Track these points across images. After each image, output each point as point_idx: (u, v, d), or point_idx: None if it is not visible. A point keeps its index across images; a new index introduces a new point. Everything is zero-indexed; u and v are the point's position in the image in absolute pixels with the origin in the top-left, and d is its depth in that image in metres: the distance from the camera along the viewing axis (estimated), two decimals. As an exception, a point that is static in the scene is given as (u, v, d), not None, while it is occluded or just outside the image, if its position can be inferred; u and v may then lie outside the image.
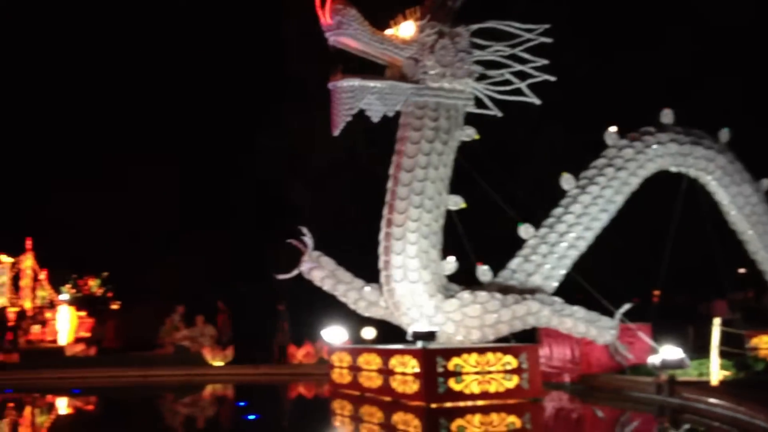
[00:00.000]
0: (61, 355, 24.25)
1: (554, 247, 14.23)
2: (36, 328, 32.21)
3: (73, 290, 36.67)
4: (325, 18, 12.87)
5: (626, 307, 14.29)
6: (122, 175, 35.09)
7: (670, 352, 12.84)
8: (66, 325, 30.16)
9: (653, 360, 12.99)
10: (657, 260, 15.02)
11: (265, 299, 22.59)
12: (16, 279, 38.02)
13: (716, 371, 12.40)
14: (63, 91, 36.42)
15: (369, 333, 15.69)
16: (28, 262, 37.77)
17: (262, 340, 22.68)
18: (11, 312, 32.04)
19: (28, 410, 16.18)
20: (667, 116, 15.33)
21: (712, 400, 11.29)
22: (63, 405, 17.31)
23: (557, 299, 13.92)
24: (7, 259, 38.02)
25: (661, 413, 12.27)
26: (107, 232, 34.71)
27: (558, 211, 14.55)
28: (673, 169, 15.27)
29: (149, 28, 35.21)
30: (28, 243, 37.57)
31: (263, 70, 31.43)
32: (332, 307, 15.24)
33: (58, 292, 37.57)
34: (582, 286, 14.27)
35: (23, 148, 37.00)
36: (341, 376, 14.81)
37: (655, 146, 14.91)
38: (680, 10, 23.06)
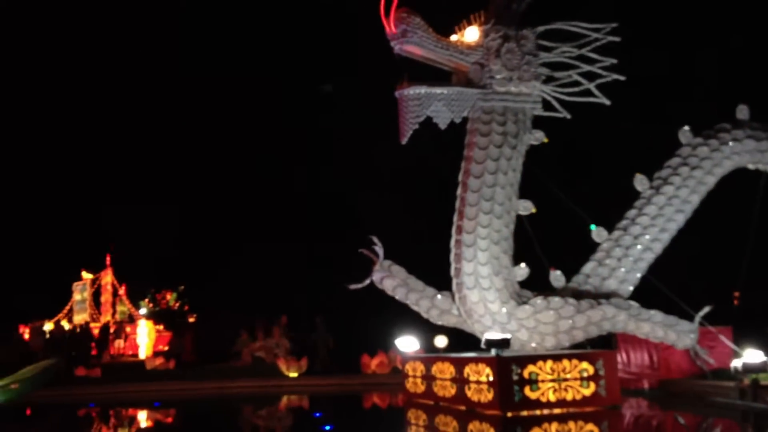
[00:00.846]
0: (141, 369, 24.69)
1: (629, 250, 13.95)
2: (119, 343, 33.00)
3: (151, 304, 37.45)
4: (390, 27, 12.88)
5: (706, 309, 13.93)
6: (198, 188, 35.72)
7: (752, 355, 12.46)
8: (145, 339, 30.80)
9: (735, 364, 12.63)
10: (737, 261, 14.60)
11: (338, 309, 22.67)
12: (96, 294, 39.06)
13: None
14: (134, 109, 37.22)
15: (442, 341, 15.56)
16: (108, 277, 38.78)
17: (334, 351, 22.79)
18: (94, 327, 32.83)
19: (111, 424, 16.47)
20: (742, 112, 14.94)
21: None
22: (144, 418, 17.58)
23: (633, 303, 13.63)
24: (87, 275, 39.08)
25: (744, 419, 11.91)
26: (183, 246, 35.30)
27: (632, 213, 14.26)
28: (751, 166, 14.86)
29: (216, 41, 35.81)
30: (108, 259, 38.55)
31: (330, 81, 31.67)
32: (404, 315, 15.19)
33: (137, 306, 38.43)
34: (659, 289, 13.95)
35: (101, 167, 37.90)
36: (415, 385, 14.74)
37: (731, 143, 14.52)
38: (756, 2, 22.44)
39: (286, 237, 31.60)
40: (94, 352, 27.83)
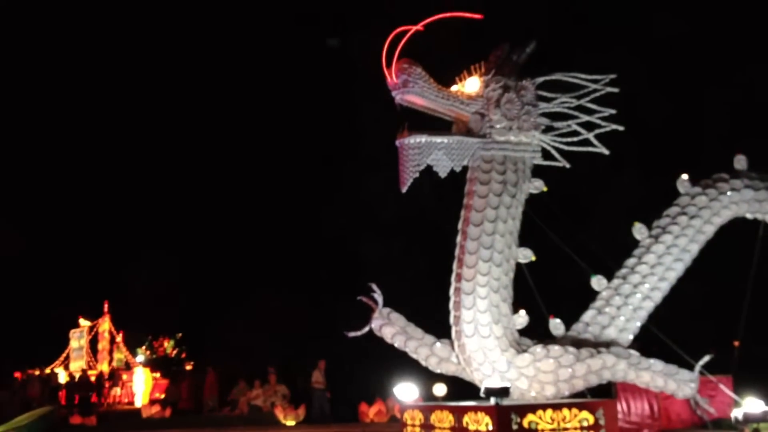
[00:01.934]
0: (137, 417, 24.51)
1: (628, 298, 13.97)
2: (116, 391, 32.75)
3: (148, 352, 37.25)
4: (392, 77, 13.05)
5: (706, 358, 13.89)
6: (196, 237, 35.77)
7: (753, 404, 12.41)
8: (142, 387, 30.59)
9: (736, 413, 12.57)
10: (736, 310, 14.60)
11: (336, 357, 22.57)
12: (93, 342, 38.85)
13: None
14: (132, 156, 37.43)
15: (441, 390, 15.48)
16: (105, 324, 38.62)
17: (333, 399, 22.64)
18: (92, 375, 32.62)
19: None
20: (740, 162, 15.07)
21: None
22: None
23: (633, 352, 13.60)
24: (85, 323, 38.92)
25: (746, 469, 11.84)
26: (180, 293, 35.24)
27: (631, 261, 14.30)
28: (749, 215, 14.93)
29: (219, 80, 36.15)
30: (106, 306, 38.43)
31: (329, 128, 31.92)
32: (403, 363, 15.13)
33: (134, 354, 38.23)
34: (659, 338, 13.93)
35: (98, 214, 37.99)
36: (414, 434, 14.64)
37: (729, 193, 14.61)
38: (751, 53, 22.76)
39: (285, 284, 31.56)
40: (95, 400, 27.64)
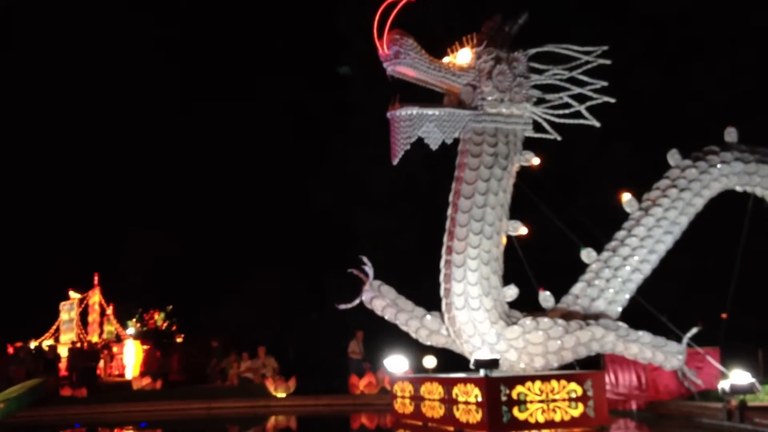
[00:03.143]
0: (128, 389, 24.54)
1: (618, 271, 14.00)
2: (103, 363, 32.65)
3: (138, 324, 37.25)
4: (383, 48, 12.97)
5: (694, 331, 13.97)
6: (188, 209, 35.70)
7: (739, 376, 12.48)
8: (132, 359, 30.60)
9: (723, 385, 12.65)
10: (725, 282, 14.66)
11: (327, 329, 22.63)
12: (83, 314, 38.81)
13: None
14: (123, 130, 37.28)
15: (430, 362, 15.55)
16: (95, 297, 38.55)
17: (323, 371, 22.71)
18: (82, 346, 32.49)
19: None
20: (730, 135, 15.07)
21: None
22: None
23: (622, 324, 13.66)
24: (75, 295, 38.84)
25: (732, 440, 11.94)
26: (170, 266, 35.22)
27: (621, 234, 14.32)
28: (739, 188, 14.95)
29: (214, 66, 35.98)
30: (96, 278, 38.35)
31: (321, 100, 31.81)
32: (393, 336, 15.18)
33: (124, 326, 38.22)
34: (647, 310, 14.00)
35: (88, 186, 37.85)
36: (403, 406, 14.71)
37: (719, 165, 14.62)
38: (744, 28, 22.73)
39: (276, 257, 31.56)
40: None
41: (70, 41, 37.44)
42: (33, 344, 34.53)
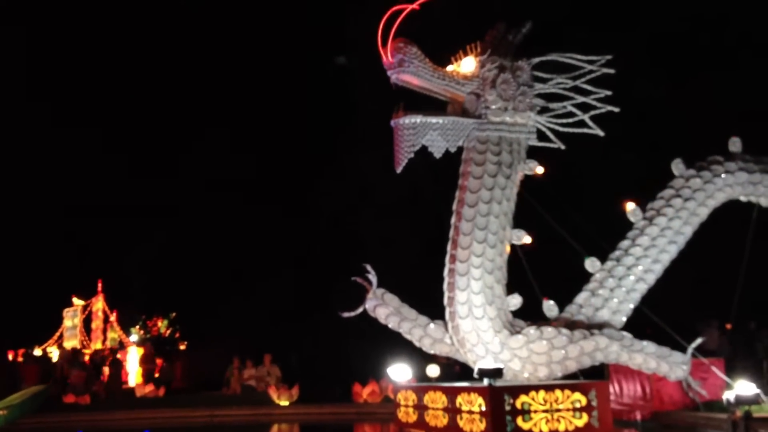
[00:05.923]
0: (131, 396, 24.52)
1: (622, 280, 13.97)
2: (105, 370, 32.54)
3: (142, 331, 37.22)
4: (387, 57, 12.97)
5: (698, 341, 13.93)
6: (191, 218, 35.66)
7: (744, 387, 12.45)
8: (135, 367, 30.54)
9: (727, 396, 12.61)
10: (729, 292, 14.62)
11: (331, 337, 22.60)
12: (87, 321, 38.80)
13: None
14: (124, 134, 37.25)
15: (434, 371, 15.52)
16: (99, 303, 38.55)
17: (327, 379, 22.67)
18: (87, 354, 32.48)
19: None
20: (735, 144, 15.05)
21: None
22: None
23: (626, 334, 13.62)
24: (78, 302, 38.83)
25: (737, 451, 11.89)
26: (174, 272, 35.15)
27: (625, 243, 14.30)
28: (743, 198, 14.93)
29: (220, 69, 35.98)
30: (99, 285, 38.34)
31: (327, 109, 31.82)
32: (397, 344, 15.15)
33: (128, 333, 38.20)
34: (652, 320, 13.96)
35: (91, 193, 37.80)
36: (407, 414, 14.66)
37: (723, 175, 14.60)
38: (748, 38, 22.74)
39: (279, 264, 31.53)
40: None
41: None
42: (37, 351, 34.49)
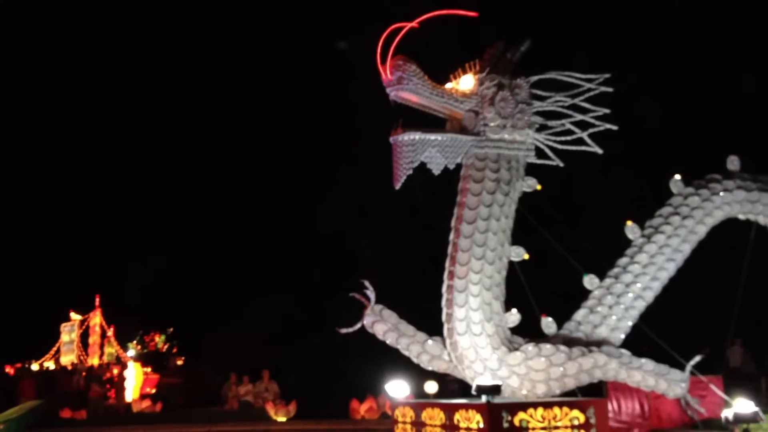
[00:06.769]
0: (127, 412, 24.46)
1: (620, 297, 13.98)
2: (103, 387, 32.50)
3: (139, 346, 37.19)
4: (386, 74, 13.01)
5: (697, 358, 13.92)
6: (188, 232, 35.70)
7: (743, 405, 12.42)
8: (132, 382, 30.50)
9: (726, 414, 12.59)
10: (728, 310, 14.64)
11: (329, 353, 22.57)
12: (84, 336, 38.77)
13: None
14: (125, 151, 37.33)
15: (431, 387, 15.49)
16: (96, 318, 38.53)
17: (325, 395, 22.65)
18: (83, 369, 32.43)
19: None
20: (733, 163, 15.10)
21: (790, 456, 10.89)
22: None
23: (625, 351, 13.62)
24: (76, 316, 38.80)
25: (735, 469, 11.85)
26: (172, 287, 35.15)
27: (623, 261, 14.31)
28: (741, 216, 14.96)
29: (212, 74, 36.09)
30: (97, 300, 38.32)
31: (323, 125, 31.91)
32: (395, 360, 15.12)
33: (125, 348, 38.16)
34: (650, 337, 13.96)
35: (89, 208, 37.86)
36: (404, 431, 14.63)
37: (722, 194, 14.63)
38: (747, 55, 22.84)
39: (277, 281, 31.54)
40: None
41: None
42: (34, 365, 34.43)
